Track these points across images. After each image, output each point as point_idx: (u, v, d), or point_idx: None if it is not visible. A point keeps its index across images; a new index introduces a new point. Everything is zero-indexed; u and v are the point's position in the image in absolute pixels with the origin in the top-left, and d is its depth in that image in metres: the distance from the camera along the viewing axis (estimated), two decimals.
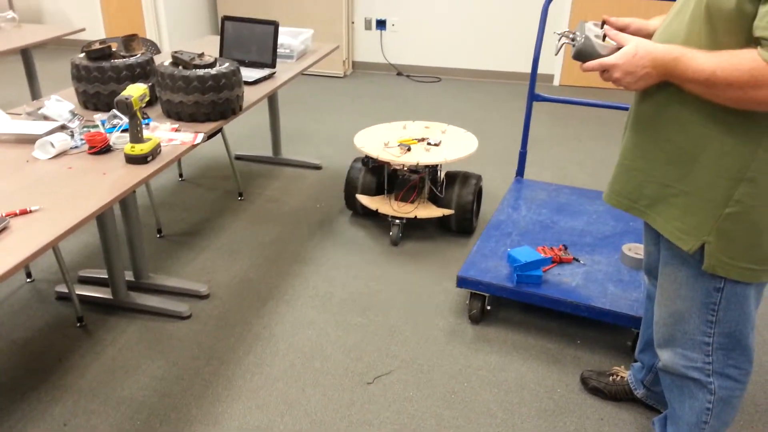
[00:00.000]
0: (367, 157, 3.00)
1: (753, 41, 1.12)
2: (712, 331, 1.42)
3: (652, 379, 1.84)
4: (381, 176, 3.02)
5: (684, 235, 1.34)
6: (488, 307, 2.38)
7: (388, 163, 2.89)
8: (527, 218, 2.66)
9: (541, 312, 2.39)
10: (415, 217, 2.83)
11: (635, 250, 2.33)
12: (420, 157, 2.73)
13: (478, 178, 2.94)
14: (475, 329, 2.30)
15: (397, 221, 2.86)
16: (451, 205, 2.87)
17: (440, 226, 3.05)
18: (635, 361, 1.92)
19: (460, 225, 2.92)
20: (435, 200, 2.93)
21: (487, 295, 2.28)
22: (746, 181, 1.23)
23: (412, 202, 2.90)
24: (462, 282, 2.26)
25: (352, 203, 3.07)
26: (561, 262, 2.33)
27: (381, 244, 2.86)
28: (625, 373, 1.97)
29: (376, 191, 3.00)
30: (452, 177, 2.92)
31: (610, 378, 1.98)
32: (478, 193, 2.98)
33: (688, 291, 1.41)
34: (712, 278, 1.36)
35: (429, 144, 2.86)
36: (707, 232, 1.30)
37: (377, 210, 2.89)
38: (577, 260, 2.34)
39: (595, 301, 2.11)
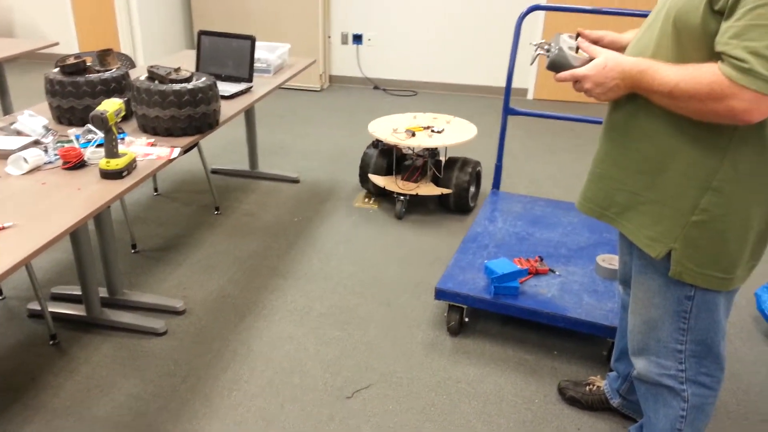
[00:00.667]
0: (377, 140, 3.38)
1: (716, 56, 1.17)
2: (684, 338, 1.45)
3: (628, 388, 1.87)
4: (390, 159, 3.37)
5: (652, 242, 1.37)
6: (466, 319, 2.40)
7: (397, 147, 3.34)
8: (503, 230, 2.69)
9: (519, 323, 2.41)
10: (417, 194, 3.21)
11: (609, 260, 2.37)
12: (422, 141, 3.10)
13: (477, 163, 3.28)
14: (453, 341, 2.31)
15: (402, 197, 3.23)
16: (449, 185, 3.21)
17: (440, 204, 3.37)
18: (611, 370, 1.95)
19: (458, 204, 3.27)
20: (436, 182, 3.29)
21: (465, 307, 2.30)
22: (712, 190, 1.27)
23: (416, 181, 3.28)
24: (440, 294, 2.28)
25: (365, 181, 3.44)
26: (537, 273, 2.36)
27: (362, 255, 2.87)
28: (602, 383, 2.00)
29: (386, 172, 3.37)
30: (453, 161, 3.28)
31: (587, 388, 2.00)
32: (477, 177, 3.36)
33: (660, 299, 1.44)
34: (683, 286, 1.39)
35: (433, 131, 3.22)
36: (674, 239, 1.34)
37: (384, 187, 3.27)
38: (552, 271, 2.37)
39: (571, 311, 2.14)
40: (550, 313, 2.14)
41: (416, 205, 3.37)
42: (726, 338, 1.52)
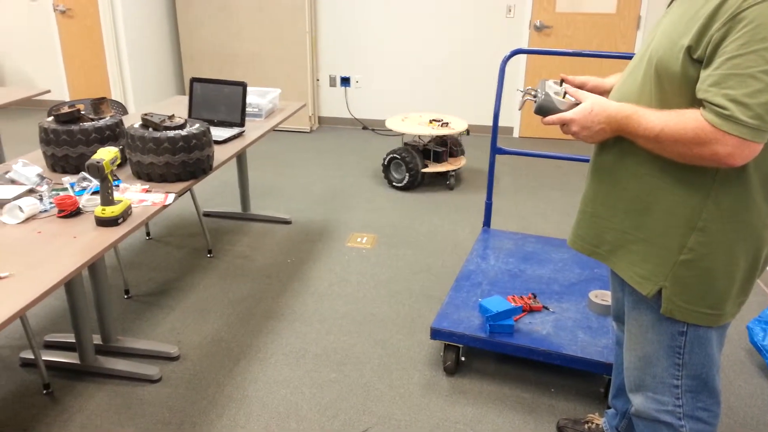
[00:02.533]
0: (406, 143, 4.35)
1: (697, 101, 1.22)
2: (679, 374, 1.47)
3: (626, 425, 1.87)
4: (423, 153, 4.32)
5: (642, 279, 1.40)
6: (462, 358, 2.40)
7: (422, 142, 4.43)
8: (496, 268, 2.71)
9: (515, 361, 2.42)
10: (457, 168, 4.32)
11: (602, 296, 2.40)
12: (458, 126, 4.25)
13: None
14: (450, 381, 2.30)
15: (452, 173, 4.32)
16: (457, 155, 4.41)
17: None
18: (609, 407, 1.95)
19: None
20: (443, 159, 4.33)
21: (461, 346, 2.30)
22: (697, 230, 1.31)
23: (446, 161, 4.34)
24: (435, 334, 2.28)
25: (414, 179, 4.23)
26: (531, 310, 2.37)
27: (355, 295, 2.87)
28: (600, 420, 1.99)
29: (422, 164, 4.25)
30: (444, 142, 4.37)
31: (586, 425, 2.00)
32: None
33: (654, 335, 1.46)
34: (675, 322, 1.41)
35: (443, 123, 4.31)
36: (664, 278, 1.37)
37: (440, 171, 4.30)
38: (546, 308, 2.39)
39: (566, 348, 2.15)
40: (545, 351, 2.15)
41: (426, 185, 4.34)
42: (720, 372, 1.54)
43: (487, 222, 3.12)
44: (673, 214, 1.33)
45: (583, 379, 2.32)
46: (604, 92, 1.57)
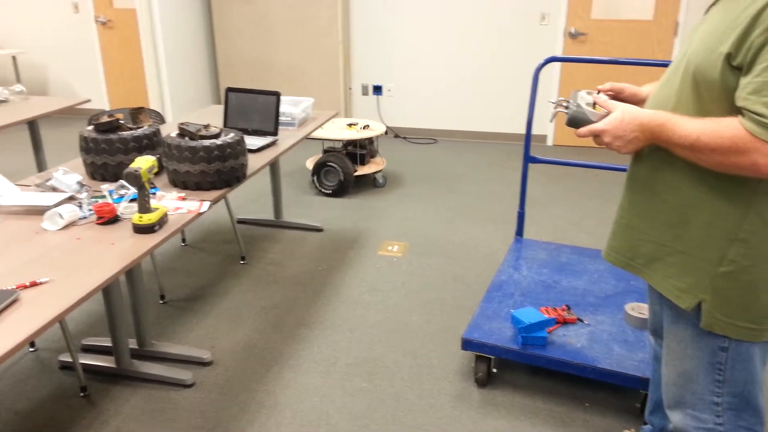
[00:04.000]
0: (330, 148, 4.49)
1: (736, 109, 1.19)
2: (721, 390, 1.42)
3: None
4: (352, 157, 4.47)
5: (681, 293, 1.36)
6: (494, 370, 2.37)
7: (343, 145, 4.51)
8: (529, 278, 2.67)
9: (548, 373, 2.38)
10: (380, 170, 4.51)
11: (638, 309, 2.34)
12: (377, 130, 4.39)
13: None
14: (481, 393, 2.28)
15: (379, 173, 4.53)
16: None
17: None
18: (645, 423, 1.90)
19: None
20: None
21: (492, 357, 2.27)
22: (739, 241, 1.27)
23: (367, 164, 4.54)
24: (467, 344, 2.26)
25: (346, 185, 4.31)
26: (565, 322, 2.33)
27: (386, 303, 2.87)
28: None
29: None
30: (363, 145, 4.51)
31: None
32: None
33: (694, 350, 1.42)
34: (716, 337, 1.37)
35: (363, 127, 4.45)
36: (703, 291, 1.33)
37: (365, 174, 4.48)
38: (581, 320, 2.35)
39: (601, 362, 2.10)
40: (579, 364, 2.11)
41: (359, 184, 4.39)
42: (764, 390, 1.49)
43: (519, 231, 3.08)
44: (713, 226, 1.29)
45: (619, 393, 2.27)
46: (640, 101, 1.54)
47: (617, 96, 1.56)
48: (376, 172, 4.52)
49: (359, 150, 4.47)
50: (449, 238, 3.64)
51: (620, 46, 5.23)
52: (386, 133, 4.63)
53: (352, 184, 4.40)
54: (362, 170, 4.44)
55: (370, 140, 4.55)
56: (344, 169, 4.26)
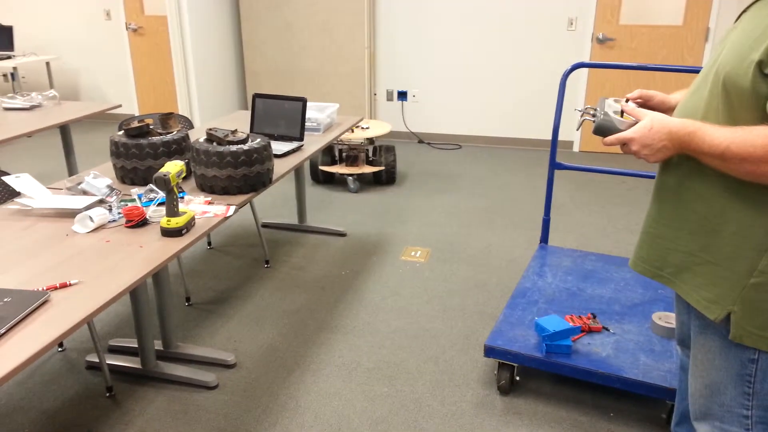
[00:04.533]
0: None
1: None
2: (750, 403, 1.39)
3: None
4: (333, 154, 4.65)
5: (710, 303, 1.34)
6: (517, 378, 2.35)
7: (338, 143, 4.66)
8: (553, 286, 2.65)
9: (572, 382, 2.35)
10: (361, 173, 4.57)
11: (666, 318, 2.31)
12: (364, 133, 4.48)
13: (393, 147, 4.68)
14: (504, 401, 2.26)
15: (351, 177, 4.54)
16: (382, 164, 4.60)
17: (375, 181, 4.71)
18: None
19: (388, 177, 4.66)
20: (370, 164, 4.64)
21: (515, 365, 2.26)
22: None
23: (357, 166, 4.57)
24: (489, 351, 2.25)
25: (315, 175, 4.69)
26: (590, 331, 2.30)
27: (409, 309, 2.86)
28: None
29: (331, 164, 4.66)
30: (378, 149, 4.65)
31: None
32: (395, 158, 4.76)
33: (722, 361, 1.39)
34: (746, 349, 1.34)
35: (362, 128, 4.57)
36: (733, 302, 1.30)
37: (336, 173, 4.66)
38: (606, 329, 2.32)
39: (627, 372, 2.07)
40: (605, 374, 2.08)
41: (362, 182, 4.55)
42: None
43: (544, 238, 3.06)
44: (744, 236, 1.26)
45: (644, 404, 2.23)
46: (669, 109, 1.52)
47: (646, 104, 1.54)
48: (349, 175, 4.55)
49: (350, 151, 4.56)
50: (472, 244, 3.62)
51: (649, 52, 5.17)
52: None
53: (321, 178, 4.66)
54: (336, 169, 4.54)
55: (371, 141, 4.62)
56: (313, 162, 4.63)
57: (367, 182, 4.75)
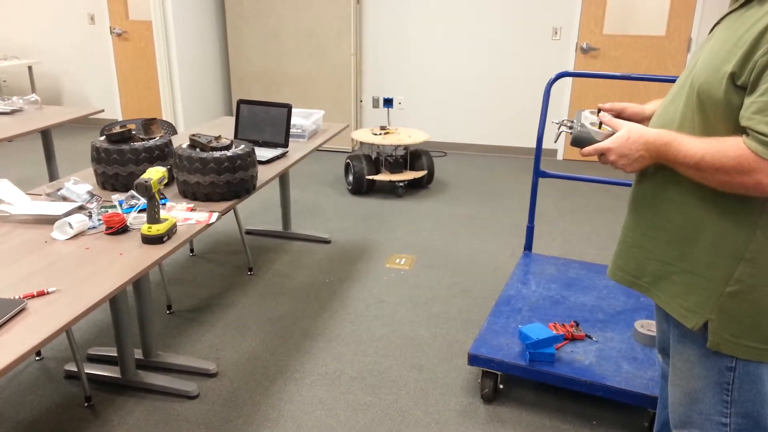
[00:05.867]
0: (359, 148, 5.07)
1: (741, 128, 1.18)
2: (728, 411, 1.40)
3: None
4: (375, 162, 4.62)
5: (687, 312, 1.35)
6: (501, 386, 2.35)
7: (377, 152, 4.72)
8: (537, 293, 2.66)
9: (555, 391, 2.35)
10: (409, 179, 4.55)
11: (648, 326, 2.32)
12: (403, 139, 4.45)
13: (428, 152, 4.74)
14: (488, 409, 2.26)
15: (400, 183, 4.53)
16: (423, 168, 4.64)
17: (415, 186, 4.78)
18: None
19: (428, 180, 4.74)
20: (405, 169, 4.64)
21: (499, 373, 2.26)
22: (745, 261, 1.25)
23: (400, 172, 4.56)
24: (473, 360, 2.24)
25: (358, 186, 4.56)
26: (573, 339, 2.31)
27: (393, 317, 2.85)
28: None
29: (375, 172, 4.58)
30: (415, 153, 4.70)
31: None
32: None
33: (700, 370, 1.40)
34: (723, 357, 1.35)
35: (384, 133, 4.61)
36: (710, 310, 1.31)
37: (389, 180, 4.55)
38: (589, 337, 2.32)
39: (609, 380, 2.08)
40: (587, 382, 2.08)
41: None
42: None
43: (528, 246, 3.07)
44: (719, 245, 1.28)
45: (627, 412, 2.24)
46: (644, 119, 1.53)
47: (619, 115, 1.56)
48: (399, 182, 4.52)
49: (388, 157, 4.56)
50: (457, 251, 3.63)
51: (632, 62, 5.23)
52: (405, 149, 4.67)
53: (365, 186, 4.51)
54: (381, 177, 4.45)
55: (405, 148, 4.67)
56: (357, 171, 4.46)
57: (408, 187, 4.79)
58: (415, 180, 4.68)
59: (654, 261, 1.41)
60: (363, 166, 4.49)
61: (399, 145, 4.49)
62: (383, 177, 4.47)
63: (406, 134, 4.65)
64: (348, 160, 4.60)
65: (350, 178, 4.58)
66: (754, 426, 1.40)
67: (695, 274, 1.32)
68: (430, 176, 4.72)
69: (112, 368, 2.38)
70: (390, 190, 4.69)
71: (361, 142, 5.11)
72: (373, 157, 4.64)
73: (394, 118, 5.92)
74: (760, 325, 1.28)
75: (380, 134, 4.60)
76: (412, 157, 4.68)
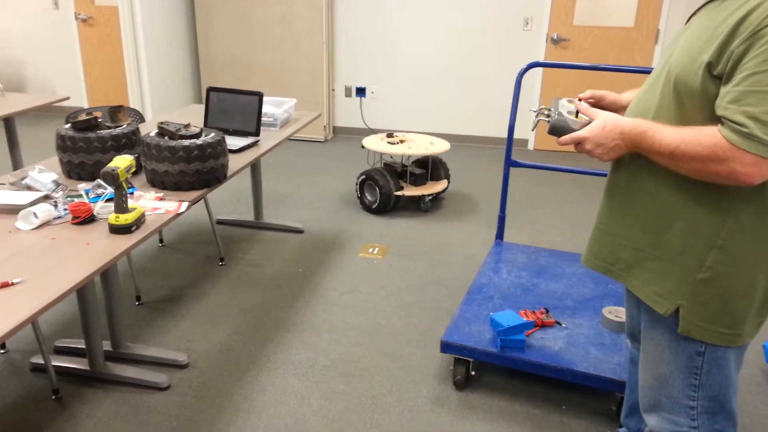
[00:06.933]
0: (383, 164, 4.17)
1: (717, 118, 1.20)
2: (696, 394, 1.44)
3: None
4: (396, 175, 4.08)
5: (659, 298, 1.38)
6: (473, 373, 2.37)
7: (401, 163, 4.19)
8: (508, 281, 2.68)
9: (526, 376, 2.39)
10: (433, 193, 4.06)
11: (615, 313, 2.36)
12: (419, 150, 3.96)
13: (444, 161, 4.27)
14: (460, 396, 2.28)
15: (427, 197, 4.06)
16: (443, 178, 4.20)
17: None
18: (621, 426, 1.91)
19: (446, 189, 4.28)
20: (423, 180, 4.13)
21: (471, 360, 2.28)
22: (717, 248, 1.28)
23: (422, 184, 4.09)
24: (446, 347, 2.26)
25: (384, 205, 3.98)
26: (543, 325, 2.34)
27: (366, 305, 2.86)
28: None
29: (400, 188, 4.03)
30: (434, 163, 4.20)
31: None
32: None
33: (671, 354, 1.43)
34: (693, 342, 1.38)
35: (398, 141, 4.11)
36: (681, 296, 1.34)
37: (415, 195, 4.02)
38: (559, 323, 2.36)
39: (578, 365, 2.11)
40: (557, 367, 2.12)
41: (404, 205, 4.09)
42: (738, 393, 1.50)
43: (500, 235, 3.09)
44: (692, 233, 1.30)
45: (595, 396, 2.29)
46: (621, 108, 1.55)
47: (598, 103, 1.57)
48: (428, 196, 4.04)
49: (414, 169, 4.05)
50: (430, 240, 3.64)
51: (602, 52, 5.29)
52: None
53: (392, 203, 3.97)
54: (410, 191, 3.97)
55: (437, 160, 4.19)
56: (382, 187, 3.90)
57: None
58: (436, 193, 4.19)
59: (628, 248, 1.43)
60: (389, 182, 3.91)
61: (410, 156, 3.97)
62: (409, 192, 3.97)
63: (422, 143, 4.11)
64: (364, 177, 3.99)
65: (369, 196, 4.01)
66: (719, 408, 1.44)
67: (668, 261, 1.35)
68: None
69: (81, 360, 2.34)
70: (405, 205, 4.20)
71: (368, 150, 4.37)
72: (398, 170, 4.09)
73: (366, 108, 5.90)
74: (730, 311, 1.31)
75: (395, 143, 4.07)
76: (432, 167, 4.19)
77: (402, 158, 4.47)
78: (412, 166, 4.14)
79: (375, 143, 4.09)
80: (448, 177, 4.24)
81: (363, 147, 4.20)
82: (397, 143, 4.08)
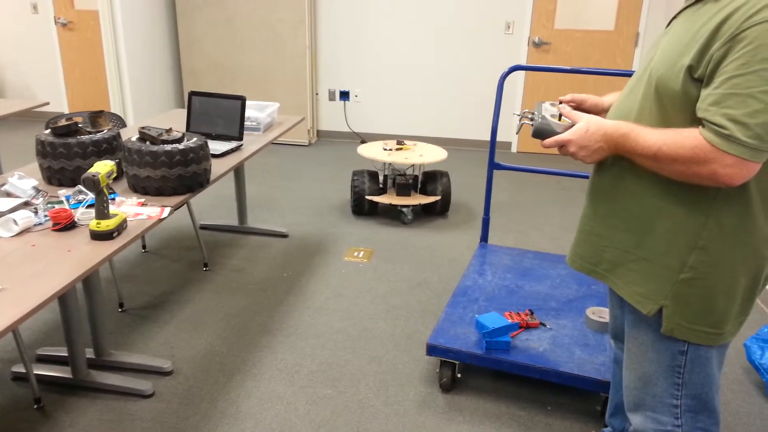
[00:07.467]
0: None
1: (698, 120, 1.22)
2: (679, 393, 1.45)
3: None
4: (379, 181, 4.01)
5: (643, 298, 1.39)
6: (459, 375, 2.38)
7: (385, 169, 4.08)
8: (493, 283, 2.70)
9: (511, 378, 2.40)
10: (416, 204, 3.90)
11: (599, 313, 2.38)
12: (413, 158, 3.80)
13: (447, 173, 4.03)
14: (446, 398, 2.28)
15: (406, 208, 3.92)
16: (437, 193, 3.96)
17: (423, 210, 4.14)
18: (605, 426, 1.93)
19: (443, 207, 4.02)
20: (415, 192, 4.02)
21: (457, 362, 2.28)
22: (698, 249, 1.30)
23: (409, 195, 3.93)
24: (431, 350, 2.26)
25: (359, 206, 3.96)
26: (528, 327, 2.36)
27: (351, 309, 2.85)
28: None
29: (378, 193, 3.98)
30: (432, 175, 4.01)
31: None
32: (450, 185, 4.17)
33: (654, 354, 1.45)
34: (676, 341, 1.40)
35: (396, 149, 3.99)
36: (665, 297, 1.35)
37: (390, 203, 3.90)
38: (543, 325, 2.37)
39: (562, 366, 2.13)
40: (542, 368, 2.13)
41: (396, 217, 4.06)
42: (720, 391, 1.52)
43: (484, 237, 3.11)
44: (675, 233, 1.32)
45: (580, 396, 2.30)
46: (603, 111, 1.57)
47: (579, 106, 1.59)
48: (404, 206, 3.91)
49: (402, 180, 3.89)
50: (415, 243, 3.65)
51: (583, 56, 5.34)
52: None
53: (366, 208, 3.95)
54: (386, 199, 3.85)
55: (433, 174, 4.02)
56: (356, 188, 3.91)
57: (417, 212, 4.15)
58: (427, 206, 4.05)
59: (611, 249, 1.44)
60: (365, 184, 3.90)
61: (409, 164, 3.82)
62: (385, 199, 3.85)
63: (418, 152, 3.96)
64: (355, 176, 3.96)
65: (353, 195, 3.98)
66: (702, 407, 1.46)
67: (651, 262, 1.37)
68: (445, 204, 4.00)
69: (63, 368, 2.31)
70: (395, 215, 4.07)
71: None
72: (384, 174, 4.03)
73: (350, 111, 5.90)
74: (712, 311, 1.33)
75: (391, 150, 3.96)
76: (427, 178, 4.00)
77: (410, 168, 4.25)
78: (402, 175, 3.93)
79: (370, 149, 3.99)
80: (444, 193, 3.96)
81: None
82: (392, 150, 3.96)
